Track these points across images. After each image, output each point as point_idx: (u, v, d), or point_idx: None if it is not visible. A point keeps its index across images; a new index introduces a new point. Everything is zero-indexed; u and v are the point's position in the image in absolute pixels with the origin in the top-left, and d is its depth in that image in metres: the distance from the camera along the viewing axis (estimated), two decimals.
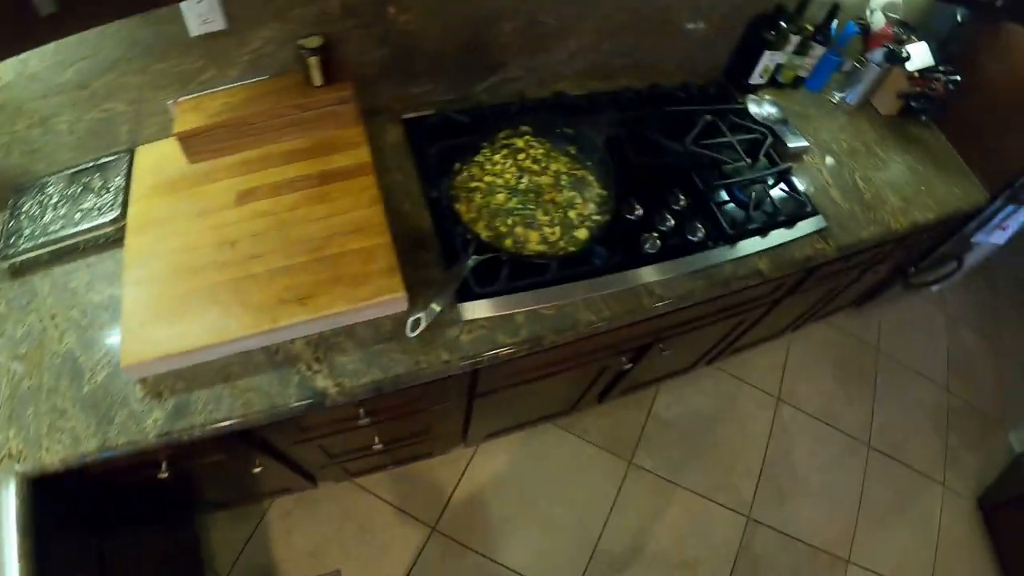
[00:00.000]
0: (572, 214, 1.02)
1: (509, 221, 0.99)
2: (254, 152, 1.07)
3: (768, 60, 1.39)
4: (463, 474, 1.76)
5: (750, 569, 1.76)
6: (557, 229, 1.00)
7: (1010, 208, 1.62)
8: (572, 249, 0.98)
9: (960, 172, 1.58)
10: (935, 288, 2.00)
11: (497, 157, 1.07)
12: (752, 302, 1.41)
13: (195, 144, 1.03)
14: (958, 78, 1.42)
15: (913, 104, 1.53)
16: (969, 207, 1.52)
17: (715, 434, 1.97)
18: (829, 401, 2.11)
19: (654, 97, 1.38)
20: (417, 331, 0.89)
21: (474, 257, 0.92)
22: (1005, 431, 2.16)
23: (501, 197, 1.02)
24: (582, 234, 1.00)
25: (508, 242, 0.97)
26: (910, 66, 1.42)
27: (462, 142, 1.13)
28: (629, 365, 1.40)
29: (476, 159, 1.07)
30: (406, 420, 1.25)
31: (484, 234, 0.98)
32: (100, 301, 0.95)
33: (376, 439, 1.26)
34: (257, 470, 1.15)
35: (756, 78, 1.44)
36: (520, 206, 1.01)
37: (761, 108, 1.43)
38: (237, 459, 1.10)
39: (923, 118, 1.61)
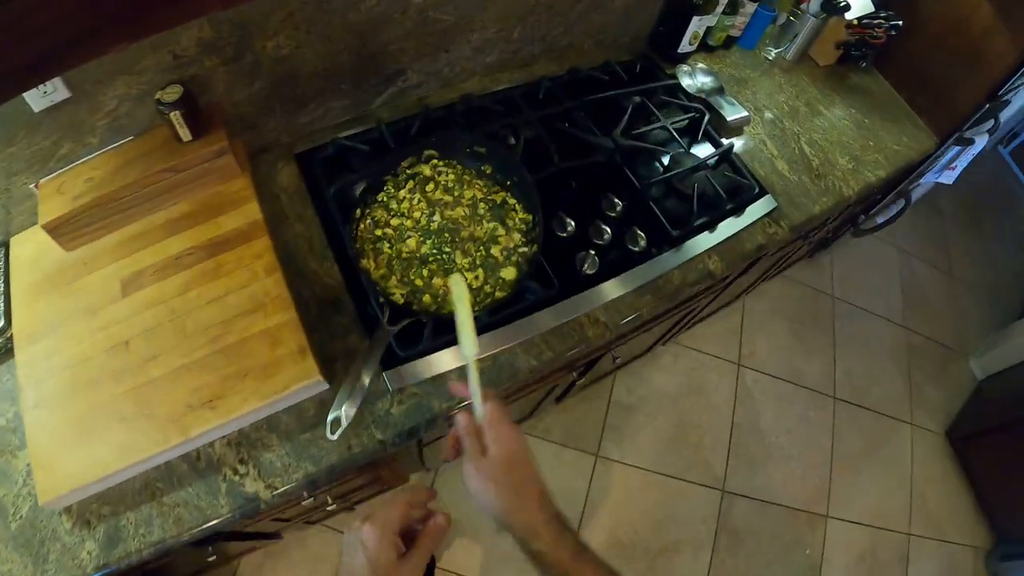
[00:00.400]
0: (495, 251, 0.89)
1: (424, 272, 0.86)
2: (133, 228, 0.92)
3: (697, 26, 1.26)
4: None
5: (732, 542, 1.76)
6: (480, 272, 0.88)
7: (957, 149, 1.57)
8: (500, 295, 0.87)
9: (907, 119, 1.51)
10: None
11: (403, 192, 0.93)
12: (702, 293, 1.34)
13: (65, 231, 0.87)
14: (900, 23, 1.33)
15: (853, 52, 1.44)
16: (919, 156, 1.46)
17: (679, 411, 1.94)
18: (790, 357, 2.10)
19: (574, 84, 1.24)
20: (338, 432, 0.78)
21: (389, 328, 0.79)
22: (966, 359, 2.20)
23: (412, 242, 0.88)
24: (509, 274, 0.88)
25: (426, 298, 0.85)
26: (849, 15, 1.32)
27: (362, 176, 0.98)
28: (581, 378, 1.32)
29: (379, 199, 0.92)
30: (354, 481, 1.15)
31: (398, 293, 0.85)
32: (5, 424, 0.82)
33: (328, 500, 1.17)
34: (211, 558, 1.07)
35: (685, 46, 1.31)
36: (435, 251, 0.88)
37: (694, 79, 1.31)
38: (186, 556, 1.01)
39: (863, 64, 1.52)
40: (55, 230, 0.86)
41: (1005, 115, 1.65)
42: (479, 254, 0.89)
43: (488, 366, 0.91)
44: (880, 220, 1.89)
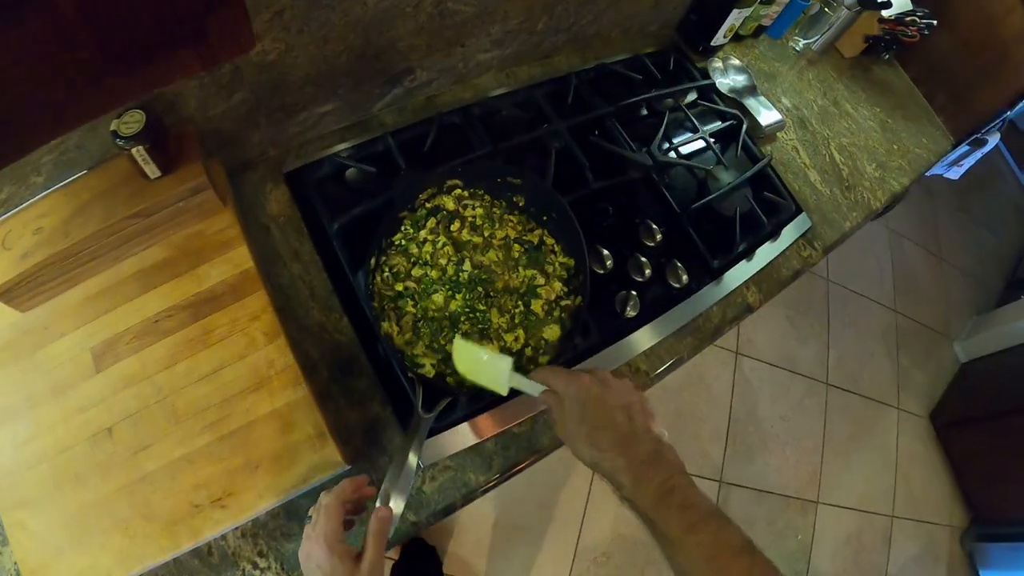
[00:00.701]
0: (536, 306, 0.77)
1: (457, 336, 0.75)
2: (99, 280, 0.75)
3: (735, 18, 1.12)
4: None
5: None
6: (520, 333, 0.76)
7: (967, 148, 1.53)
8: (544, 359, 0.76)
9: (925, 117, 1.44)
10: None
11: (424, 233, 0.79)
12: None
13: (18, 294, 0.71)
14: (934, 22, 1.23)
15: (883, 46, 1.34)
16: (936, 158, 1.41)
17: (679, 403, 1.93)
18: (785, 344, 2.11)
19: (601, 81, 1.10)
20: None
21: (424, 416, 0.68)
22: (950, 342, 2.26)
23: (439, 298, 0.75)
24: (553, 333, 0.77)
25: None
26: (887, 11, 1.21)
27: (372, 209, 0.84)
28: None
29: (396, 241, 0.78)
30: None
31: (428, 363, 0.73)
32: None
33: None
34: None
35: (719, 39, 1.17)
36: (467, 309, 0.76)
37: (727, 77, 1.19)
38: None
39: (886, 56, 1.43)
40: (5, 295, 0.69)
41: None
42: (518, 310, 0.78)
43: (527, 431, 0.82)
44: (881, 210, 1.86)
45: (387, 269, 0.76)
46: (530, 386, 0.63)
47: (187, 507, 0.67)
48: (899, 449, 2.02)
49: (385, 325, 0.73)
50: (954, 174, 1.63)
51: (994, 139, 1.44)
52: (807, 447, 1.97)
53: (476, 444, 0.79)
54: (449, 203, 0.82)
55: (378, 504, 0.60)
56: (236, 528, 0.71)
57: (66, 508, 0.67)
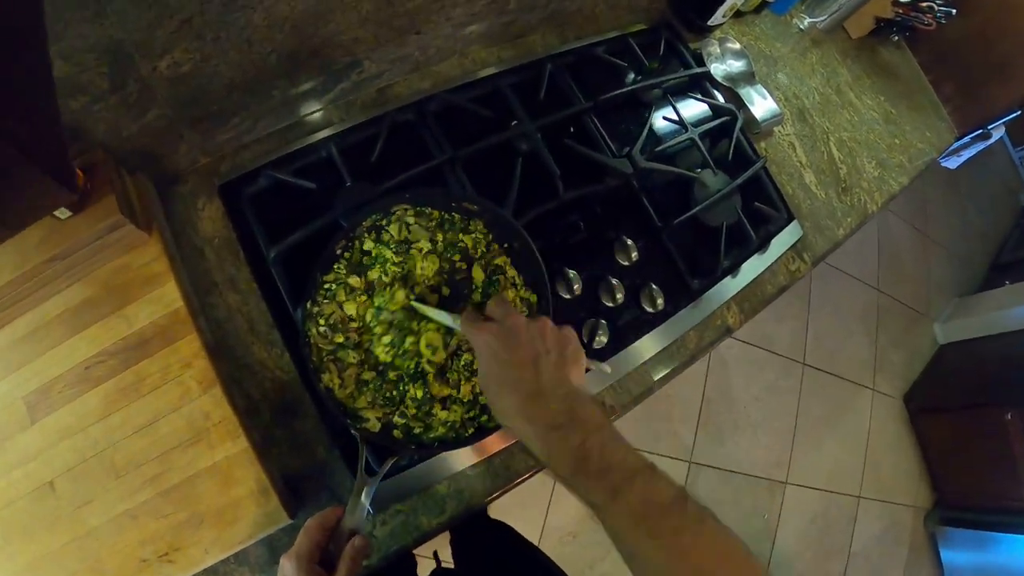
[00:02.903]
0: None
1: (403, 389, 0.68)
2: (23, 322, 0.70)
3: None
4: None
5: None
6: (476, 383, 0.70)
7: (967, 139, 1.43)
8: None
9: (931, 107, 1.34)
10: None
11: (354, 280, 0.70)
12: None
13: None
14: (953, 11, 1.11)
15: (894, 30, 1.21)
16: (938, 152, 1.32)
17: None
18: (763, 322, 2.06)
19: (580, 67, 0.99)
20: None
21: (367, 479, 0.63)
22: (930, 322, 2.24)
23: (383, 348, 0.68)
24: None
25: (405, 421, 0.68)
26: None
27: (312, 233, 0.75)
28: None
29: (326, 286, 0.68)
30: None
31: (373, 416, 0.67)
32: None
33: None
34: None
35: (718, 18, 1.05)
36: (411, 358, 0.69)
37: (723, 63, 1.07)
38: None
39: (895, 39, 1.31)
40: None
41: None
42: (471, 355, 0.71)
43: (482, 471, 0.78)
44: None
45: (322, 320, 0.68)
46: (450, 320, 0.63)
47: (135, 562, 0.66)
48: (871, 430, 2.05)
49: (325, 378, 0.66)
50: (952, 163, 1.55)
51: (999, 133, 1.35)
52: (779, 428, 1.98)
53: (427, 488, 0.75)
54: (392, 231, 0.72)
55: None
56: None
57: (16, 561, 0.66)
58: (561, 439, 0.48)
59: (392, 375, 0.68)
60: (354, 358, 0.67)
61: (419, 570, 1.09)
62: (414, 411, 0.67)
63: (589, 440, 0.47)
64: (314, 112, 0.85)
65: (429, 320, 0.67)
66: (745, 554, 0.46)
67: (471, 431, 0.68)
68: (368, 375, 0.67)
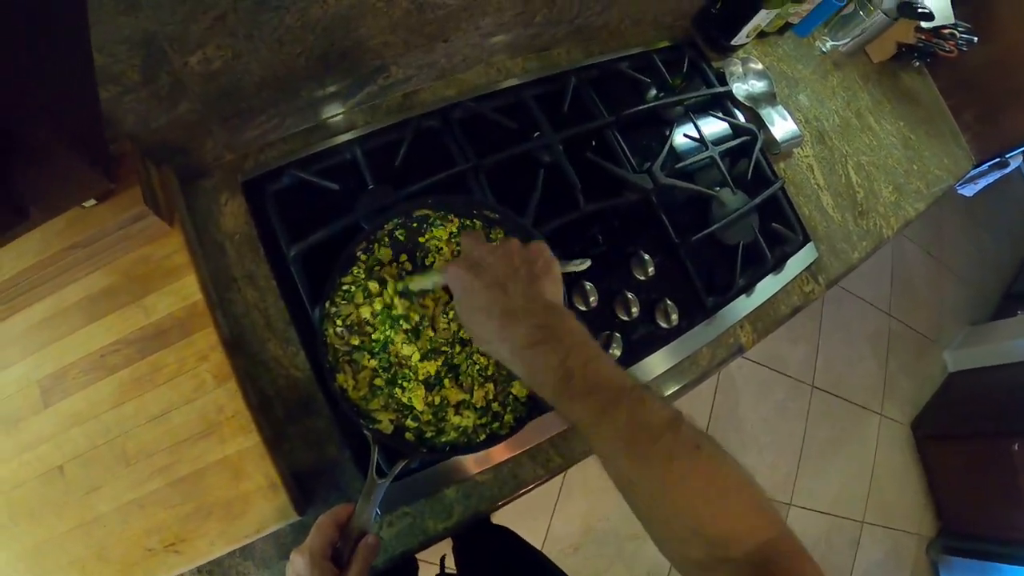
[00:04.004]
0: None
1: (419, 392, 0.68)
2: (42, 307, 0.70)
3: (762, 19, 1.00)
4: None
5: None
6: (490, 388, 0.70)
7: (986, 167, 1.43)
8: (510, 417, 0.70)
9: (950, 134, 1.34)
10: None
11: (373, 284, 0.70)
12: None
13: None
14: (975, 39, 1.11)
15: (915, 56, 1.22)
16: (955, 180, 1.32)
17: None
18: (775, 342, 2.06)
19: (603, 82, 0.99)
20: None
21: (378, 481, 0.63)
22: (940, 349, 2.22)
23: (404, 346, 0.68)
24: (522, 390, 0.71)
25: (417, 424, 0.68)
26: (928, 23, 1.09)
27: (333, 235, 0.76)
28: None
29: (345, 288, 0.68)
30: None
31: (386, 418, 0.67)
32: None
33: None
34: None
35: (742, 38, 1.05)
36: (439, 363, 0.69)
37: (746, 82, 1.08)
38: None
39: (916, 64, 1.31)
40: None
41: None
42: (488, 361, 0.71)
43: (490, 479, 0.78)
44: None
45: (339, 321, 0.68)
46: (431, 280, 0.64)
47: (141, 551, 0.66)
48: (877, 456, 2.03)
49: (340, 378, 0.67)
50: (968, 191, 1.54)
51: (1016, 162, 1.35)
52: (785, 449, 1.96)
53: (437, 492, 0.75)
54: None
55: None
56: (195, 568, 0.68)
57: (23, 543, 0.66)
58: (540, 356, 0.46)
59: (408, 374, 0.67)
60: (368, 361, 0.67)
61: (421, 574, 1.08)
62: (429, 417, 0.67)
63: (571, 357, 0.45)
64: (340, 114, 0.86)
65: (424, 294, 0.67)
66: (746, 483, 0.44)
67: (483, 437, 0.68)
68: (380, 380, 0.67)
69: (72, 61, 0.42)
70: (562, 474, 1.70)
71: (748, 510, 0.44)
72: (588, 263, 0.66)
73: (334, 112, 0.86)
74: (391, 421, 0.67)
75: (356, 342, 0.67)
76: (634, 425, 0.43)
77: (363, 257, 0.69)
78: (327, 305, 0.66)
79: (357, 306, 0.68)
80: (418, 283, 0.65)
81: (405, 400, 0.67)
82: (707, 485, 0.43)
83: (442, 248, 0.73)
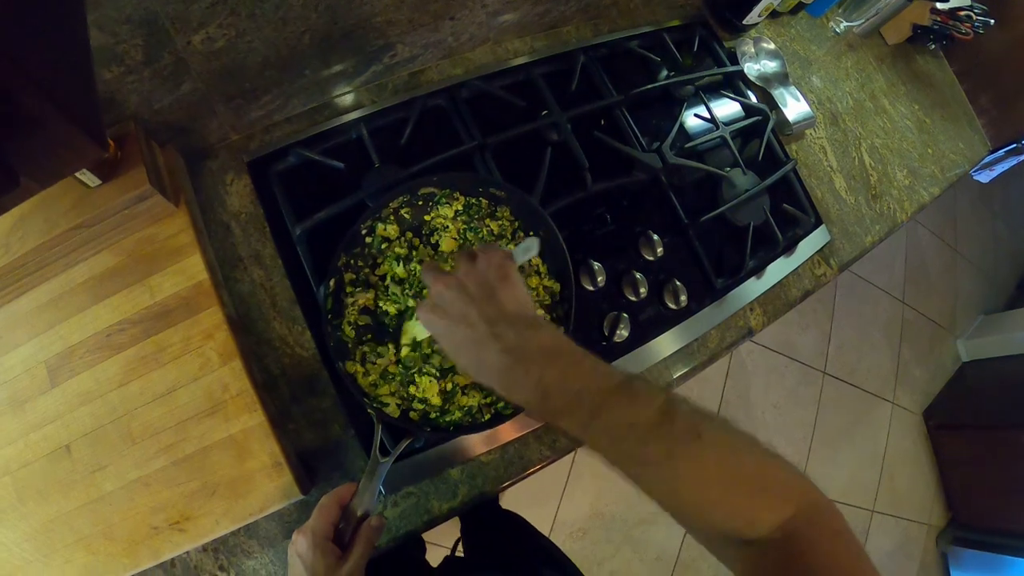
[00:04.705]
0: None
1: (424, 379, 0.68)
2: (49, 287, 0.71)
3: None
4: None
5: None
6: None
7: (1002, 153, 1.40)
8: (508, 409, 0.69)
9: (964, 118, 1.31)
10: None
11: (394, 251, 0.70)
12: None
13: None
14: (991, 21, 1.08)
15: (931, 38, 1.19)
16: (970, 166, 1.28)
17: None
18: (786, 329, 2.04)
19: (612, 60, 0.98)
20: None
21: (381, 459, 0.63)
22: (954, 338, 2.18)
23: (429, 385, 0.68)
24: None
25: (424, 406, 0.68)
26: (944, 4, 1.06)
27: (339, 213, 0.75)
28: None
29: (357, 268, 0.69)
30: None
31: (393, 402, 0.67)
32: None
33: None
34: None
35: (754, 17, 1.03)
36: (435, 347, 0.69)
37: (758, 62, 1.05)
38: None
39: (931, 47, 1.28)
40: None
41: None
42: None
43: (496, 459, 0.78)
44: None
45: (352, 300, 0.68)
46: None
47: (146, 528, 0.67)
48: (888, 445, 2.00)
49: (348, 366, 0.66)
50: (984, 177, 1.51)
51: None
52: (796, 437, 1.95)
53: (441, 472, 0.75)
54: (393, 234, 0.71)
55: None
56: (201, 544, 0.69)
57: (30, 522, 0.67)
58: (515, 381, 0.44)
59: (413, 362, 0.67)
60: (382, 351, 0.67)
61: (428, 556, 1.09)
62: (438, 402, 0.67)
63: (546, 374, 0.43)
64: (345, 93, 0.86)
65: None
66: (757, 460, 0.42)
67: (488, 416, 0.68)
68: (394, 368, 0.67)
69: (63, 23, 0.41)
70: (571, 459, 1.72)
71: (759, 491, 0.42)
72: (537, 243, 0.57)
73: (340, 91, 0.85)
74: (398, 405, 0.67)
75: (364, 323, 0.67)
76: (623, 428, 0.41)
77: (367, 237, 0.69)
78: (332, 282, 0.66)
79: (376, 281, 0.69)
80: (419, 332, 0.66)
81: (419, 396, 0.67)
82: (712, 476, 0.42)
83: (448, 226, 0.72)
